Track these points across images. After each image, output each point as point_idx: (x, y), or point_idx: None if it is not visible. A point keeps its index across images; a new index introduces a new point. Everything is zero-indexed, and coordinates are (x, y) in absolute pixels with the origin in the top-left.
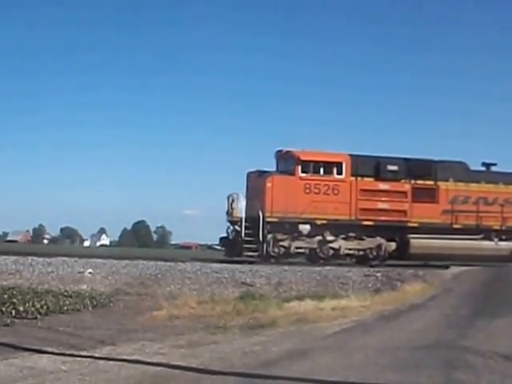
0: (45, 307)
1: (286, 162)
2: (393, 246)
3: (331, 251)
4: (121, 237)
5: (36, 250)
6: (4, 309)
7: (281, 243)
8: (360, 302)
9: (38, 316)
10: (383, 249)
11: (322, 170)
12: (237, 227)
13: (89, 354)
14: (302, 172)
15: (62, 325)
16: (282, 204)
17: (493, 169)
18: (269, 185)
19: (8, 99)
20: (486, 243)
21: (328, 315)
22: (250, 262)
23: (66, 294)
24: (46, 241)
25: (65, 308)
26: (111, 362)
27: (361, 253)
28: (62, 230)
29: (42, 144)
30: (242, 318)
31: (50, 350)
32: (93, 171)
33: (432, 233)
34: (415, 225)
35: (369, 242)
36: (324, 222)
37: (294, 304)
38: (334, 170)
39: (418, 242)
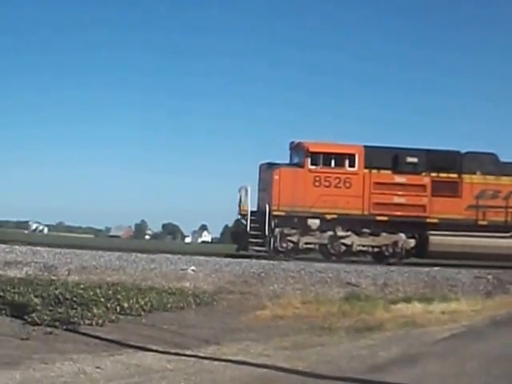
0: (149, 304)
1: (298, 153)
2: (411, 243)
3: (343, 247)
4: (222, 234)
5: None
6: (109, 305)
7: (289, 238)
8: (470, 306)
9: (142, 313)
10: (400, 246)
11: (333, 162)
12: (244, 221)
13: (193, 354)
14: (312, 164)
15: (165, 322)
16: (290, 197)
17: None
18: (276, 177)
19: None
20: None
21: (437, 319)
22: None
23: (169, 291)
24: (147, 236)
25: (168, 305)
26: (216, 362)
27: (376, 250)
28: (163, 226)
29: (153, 144)
30: (347, 319)
31: (154, 347)
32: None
33: (454, 229)
34: (435, 220)
35: (384, 239)
36: (334, 216)
37: (401, 306)
38: (346, 162)
39: (437, 239)
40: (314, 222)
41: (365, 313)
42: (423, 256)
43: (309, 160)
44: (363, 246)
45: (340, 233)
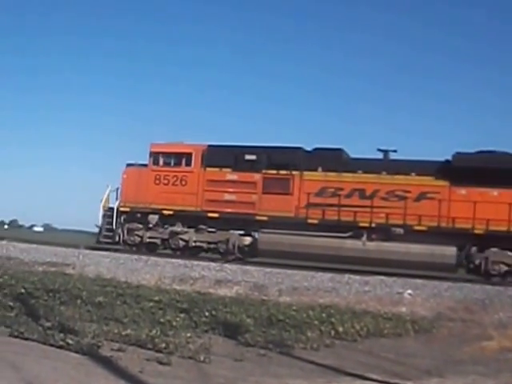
0: (364, 329)
1: (148, 155)
2: (246, 240)
3: (182, 243)
4: None
5: None
6: (323, 328)
7: (136, 233)
8: None
9: (358, 338)
10: (232, 243)
11: (172, 162)
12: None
13: None
14: (154, 164)
15: (383, 350)
16: (134, 195)
17: (393, 156)
18: (124, 176)
19: None
20: (350, 242)
21: None
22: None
23: (384, 315)
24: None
25: (385, 331)
26: None
27: (212, 246)
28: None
29: None
30: None
31: (373, 376)
32: None
33: (285, 228)
34: (264, 218)
35: (219, 235)
36: (171, 212)
37: None
38: (183, 161)
39: (266, 237)
40: (153, 218)
41: None
42: (255, 254)
43: (151, 160)
44: (200, 241)
45: (178, 228)
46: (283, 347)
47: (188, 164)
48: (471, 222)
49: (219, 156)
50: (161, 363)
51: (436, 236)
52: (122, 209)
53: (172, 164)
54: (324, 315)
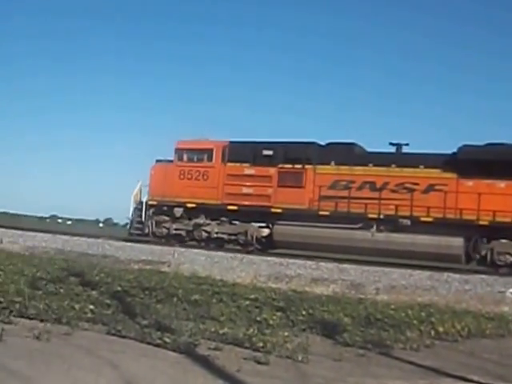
0: (465, 329)
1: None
2: (264, 232)
3: (205, 234)
4: None
5: None
6: (422, 328)
7: (164, 225)
8: None
9: (459, 338)
10: (250, 234)
11: (195, 157)
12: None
13: None
14: (178, 160)
15: (485, 351)
16: (161, 189)
17: (405, 149)
18: (152, 172)
19: None
20: (360, 233)
21: None
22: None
23: (486, 315)
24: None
25: (487, 332)
26: None
27: (232, 237)
28: None
29: None
30: None
31: (475, 378)
32: None
33: (298, 220)
34: (279, 210)
35: (238, 227)
36: (194, 205)
37: None
38: (205, 157)
39: (280, 229)
40: (179, 211)
41: None
42: (272, 246)
43: (176, 156)
44: (221, 233)
45: (201, 221)
46: (382, 347)
47: (209, 159)
48: (477, 214)
49: (239, 151)
50: (258, 362)
51: (443, 227)
52: (150, 202)
53: (195, 160)
54: (423, 314)
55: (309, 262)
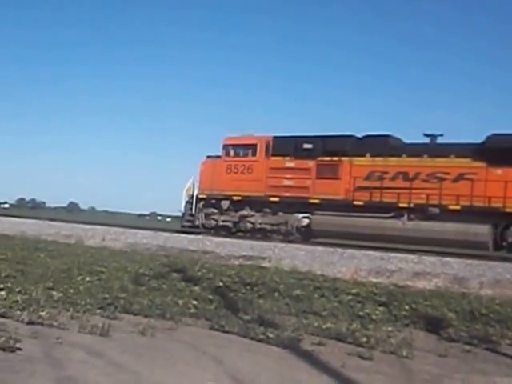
0: None
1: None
2: (304, 222)
3: (250, 225)
4: None
5: None
6: None
7: (212, 217)
8: None
9: None
10: (290, 224)
11: (241, 153)
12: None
13: None
14: (226, 155)
15: None
16: (210, 183)
17: (439, 140)
18: (202, 167)
19: None
20: (391, 222)
21: None
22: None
23: None
24: None
25: None
26: None
27: (274, 227)
28: None
29: None
30: None
31: None
32: None
33: (334, 210)
34: (317, 201)
35: (280, 218)
36: (239, 198)
37: None
38: (250, 152)
39: (318, 219)
40: (225, 203)
41: None
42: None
43: (224, 151)
44: (264, 224)
45: (246, 212)
46: (488, 343)
47: (254, 154)
48: (504, 201)
49: (281, 146)
50: (362, 358)
51: (471, 215)
52: (200, 196)
53: (241, 154)
54: None
55: (410, 256)
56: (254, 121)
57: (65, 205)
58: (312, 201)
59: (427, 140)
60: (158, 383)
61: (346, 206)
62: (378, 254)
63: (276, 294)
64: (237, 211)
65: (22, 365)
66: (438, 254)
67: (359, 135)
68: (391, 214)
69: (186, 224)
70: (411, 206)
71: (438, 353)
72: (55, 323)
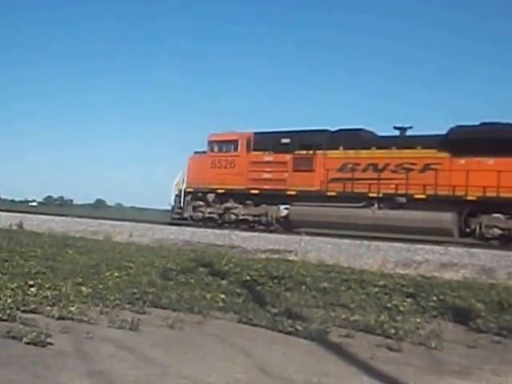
0: None
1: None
2: (283, 213)
3: (233, 216)
4: None
5: None
6: None
7: (199, 209)
8: None
9: None
10: (270, 215)
11: (224, 148)
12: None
13: None
14: (210, 151)
15: None
16: (196, 177)
17: (409, 132)
18: (189, 162)
19: None
20: (362, 211)
21: None
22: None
23: None
24: None
25: None
26: None
27: (256, 218)
28: None
29: None
30: None
31: None
32: None
33: (310, 201)
34: (293, 193)
35: (261, 209)
36: (223, 191)
37: None
38: (232, 147)
39: (295, 210)
40: (211, 196)
41: None
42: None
43: (209, 147)
44: (247, 215)
45: (230, 204)
46: None
47: (236, 149)
48: (466, 190)
49: (261, 141)
50: (391, 349)
51: (437, 203)
52: (188, 189)
53: (224, 150)
54: None
55: (437, 247)
56: (254, 118)
57: (92, 202)
58: (289, 192)
59: (398, 132)
60: (188, 376)
61: (320, 197)
62: (404, 245)
63: (303, 287)
64: (221, 203)
65: (53, 359)
66: (464, 245)
67: (333, 129)
68: (362, 204)
69: (176, 216)
70: (380, 195)
71: (467, 344)
72: (85, 318)
